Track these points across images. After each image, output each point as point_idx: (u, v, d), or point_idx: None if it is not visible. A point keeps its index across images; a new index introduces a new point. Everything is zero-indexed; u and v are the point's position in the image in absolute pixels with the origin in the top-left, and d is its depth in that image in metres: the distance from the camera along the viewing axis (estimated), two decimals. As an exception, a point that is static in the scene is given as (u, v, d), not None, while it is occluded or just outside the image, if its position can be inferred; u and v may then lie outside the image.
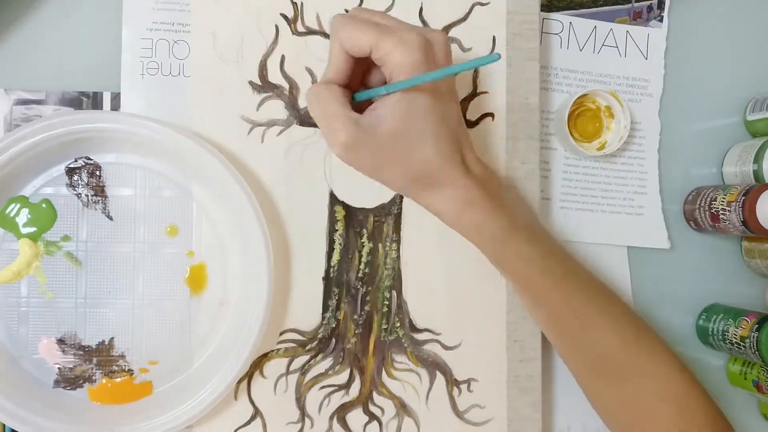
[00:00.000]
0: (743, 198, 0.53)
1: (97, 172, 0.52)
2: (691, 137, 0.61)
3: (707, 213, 0.57)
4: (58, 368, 0.52)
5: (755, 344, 0.53)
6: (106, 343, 0.52)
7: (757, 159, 0.56)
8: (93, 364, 0.52)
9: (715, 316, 0.58)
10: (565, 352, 0.51)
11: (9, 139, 0.48)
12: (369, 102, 0.45)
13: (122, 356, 0.52)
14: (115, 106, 0.53)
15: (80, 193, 0.52)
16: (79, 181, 0.52)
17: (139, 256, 0.53)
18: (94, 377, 0.52)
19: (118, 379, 0.52)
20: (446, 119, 0.44)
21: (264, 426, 0.53)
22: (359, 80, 0.47)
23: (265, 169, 0.53)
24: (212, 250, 0.53)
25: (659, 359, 0.48)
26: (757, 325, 0.54)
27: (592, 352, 0.49)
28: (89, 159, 0.52)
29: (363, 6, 0.54)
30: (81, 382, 0.52)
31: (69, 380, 0.52)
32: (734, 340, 0.55)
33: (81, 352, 0.52)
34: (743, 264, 0.60)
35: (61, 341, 0.52)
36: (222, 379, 0.50)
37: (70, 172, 0.52)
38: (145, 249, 0.53)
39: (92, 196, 0.52)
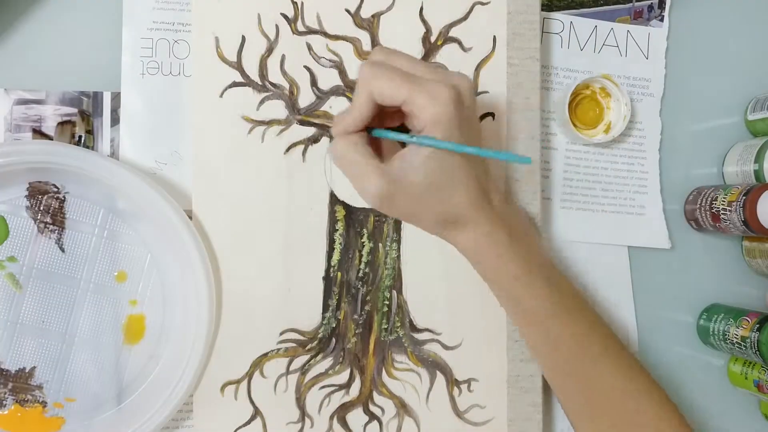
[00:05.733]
0: (744, 198, 0.53)
1: (60, 202, 0.51)
2: (692, 137, 0.60)
3: (708, 213, 0.56)
4: None
5: (756, 344, 0.53)
6: (27, 370, 0.51)
7: (758, 159, 0.56)
8: (8, 389, 0.51)
9: (715, 316, 0.58)
10: (569, 390, 0.50)
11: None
12: (381, 139, 0.45)
13: (40, 387, 0.52)
14: (115, 105, 0.53)
15: (37, 219, 0.51)
16: (40, 207, 0.51)
17: (81, 294, 0.52)
18: (5, 402, 0.51)
19: (29, 409, 0.51)
20: (474, 169, 0.46)
21: (264, 426, 0.53)
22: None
23: (266, 169, 0.53)
24: (155, 303, 0.53)
25: (659, 407, 0.48)
26: (757, 325, 0.54)
27: (598, 393, 0.48)
28: (55, 186, 0.51)
29: (362, 7, 0.54)
30: None
31: None
32: (735, 340, 0.55)
33: None
34: (744, 264, 0.60)
35: None
36: None
37: (33, 195, 0.51)
38: (89, 288, 0.52)
39: (49, 224, 0.51)
